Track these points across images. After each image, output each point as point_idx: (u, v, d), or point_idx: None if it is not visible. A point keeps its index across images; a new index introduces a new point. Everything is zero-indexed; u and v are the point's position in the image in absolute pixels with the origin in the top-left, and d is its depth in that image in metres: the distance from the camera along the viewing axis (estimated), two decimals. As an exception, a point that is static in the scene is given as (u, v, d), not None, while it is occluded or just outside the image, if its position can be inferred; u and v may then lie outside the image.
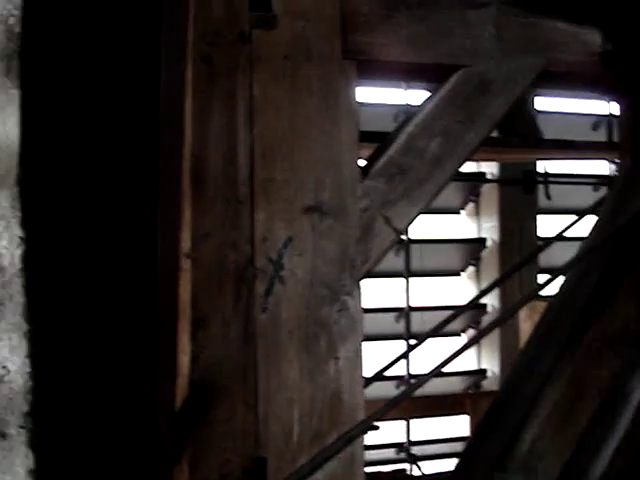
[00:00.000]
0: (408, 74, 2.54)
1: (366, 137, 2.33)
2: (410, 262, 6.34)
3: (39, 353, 1.57)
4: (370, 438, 2.46)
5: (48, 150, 1.64)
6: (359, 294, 2.13)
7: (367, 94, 5.85)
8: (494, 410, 2.70)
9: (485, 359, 6.82)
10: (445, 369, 2.26)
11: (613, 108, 6.26)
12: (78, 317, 1.67)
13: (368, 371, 2.33)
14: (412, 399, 4.65)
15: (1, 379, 1.53)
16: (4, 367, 1.53)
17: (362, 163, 2.25)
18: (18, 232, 1.54)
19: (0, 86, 1.53)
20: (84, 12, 1.63)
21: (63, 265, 1.67)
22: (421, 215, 2.29)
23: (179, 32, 1.58)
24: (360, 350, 2.13)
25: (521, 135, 3.00)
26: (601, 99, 5.34)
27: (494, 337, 6.30)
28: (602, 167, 7.11)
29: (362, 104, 5.49)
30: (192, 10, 1.87)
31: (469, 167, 6.38)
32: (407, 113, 4.50)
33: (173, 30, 1.57)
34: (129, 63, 1.64)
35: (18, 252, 1.54)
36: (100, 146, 1.67)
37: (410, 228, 3.97)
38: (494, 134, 2.63)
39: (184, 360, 1.90)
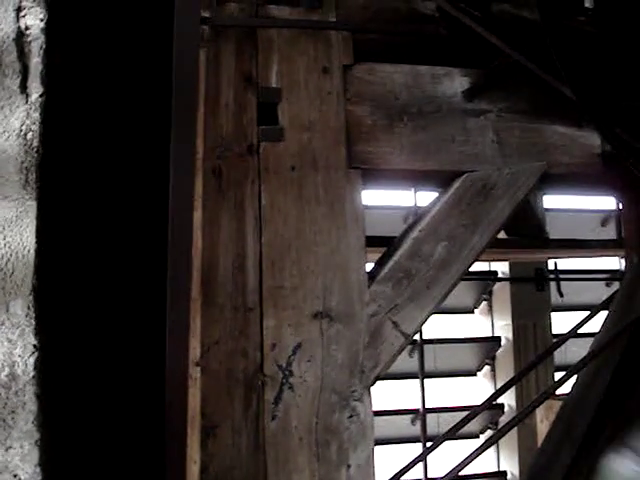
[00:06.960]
0: (412, 180, 2.59)
1: (374, 242, 2.36)
2: (424, 363, 6.28)
3: (50, 462, 1.57)
4: None
5: (62, 260, 1.67)
6: (369, 399, 2.12)
7: (376, 197, 5.93)
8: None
9: (504, 460, 6.65)
10: (464, 472, 2.22)
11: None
12: (89, 426, 1.67)
13: (384, 475, 2.29)
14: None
15: (12, 488, 1.52)
16: (15, 475, 1.51)
17: (371, 267, 2.28)
18: (32, 340, 1.54)
19: (17, 198, 1.56)
20: (97, 130, 1.70)
21: (74, 375, 1.68)
22: (434, 315, 2.29)
23: (187, 147, 1.64)
24: (372, 456, 2.10)
25: (529, 236, 3.02)
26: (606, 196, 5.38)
27: (513, 438, 6.16)
28: (613, 262, 7.09)
29: (372, 207, 5.58)
30: (202, 125, 1.94)
31: (480, 266, 6.38)
32: (415, 215, 4.56)
33: (182, 145, 1.62)
34: (140, 179, 1.69)
35: (31, 360, 1.53)
36: (112, 257, 1.70)
37: (423, 328, 3.93)
38: (501, 235, 2.67)
39: (194, 470, 1.88)
